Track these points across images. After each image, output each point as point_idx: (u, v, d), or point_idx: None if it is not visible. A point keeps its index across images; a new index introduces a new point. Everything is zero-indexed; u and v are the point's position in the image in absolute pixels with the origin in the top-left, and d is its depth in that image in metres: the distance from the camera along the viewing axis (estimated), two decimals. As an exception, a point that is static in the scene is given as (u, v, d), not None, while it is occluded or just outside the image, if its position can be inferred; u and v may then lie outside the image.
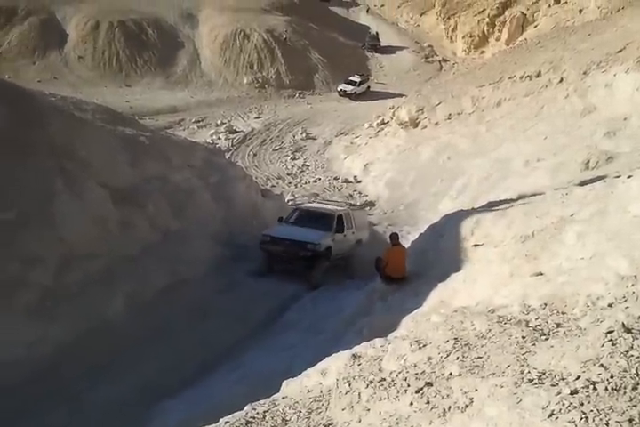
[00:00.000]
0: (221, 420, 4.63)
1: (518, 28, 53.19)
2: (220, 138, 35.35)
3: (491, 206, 12.74)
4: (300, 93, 47.62)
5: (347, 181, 29.52)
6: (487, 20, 56.09)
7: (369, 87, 48.49)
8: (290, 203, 23.67)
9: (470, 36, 57.16)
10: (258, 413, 4.66)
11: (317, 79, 50.15)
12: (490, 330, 4.77)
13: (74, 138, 13.45)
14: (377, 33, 59.34)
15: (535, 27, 51.39)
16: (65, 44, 45.54)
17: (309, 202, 21.29)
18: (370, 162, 30.61)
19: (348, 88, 46.97)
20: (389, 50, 58.03)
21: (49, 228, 11.21)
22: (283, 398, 5.09)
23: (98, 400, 8.83)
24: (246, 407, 4.85)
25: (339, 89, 47.39)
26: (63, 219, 11.51)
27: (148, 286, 11.70)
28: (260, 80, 47.57)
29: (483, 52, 55.17)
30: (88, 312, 10.51)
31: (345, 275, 16.22)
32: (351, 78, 47.72)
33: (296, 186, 28.77)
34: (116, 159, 14.27)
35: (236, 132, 37.00)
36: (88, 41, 45.76)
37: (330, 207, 17.71)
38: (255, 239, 15.85)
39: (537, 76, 26.95)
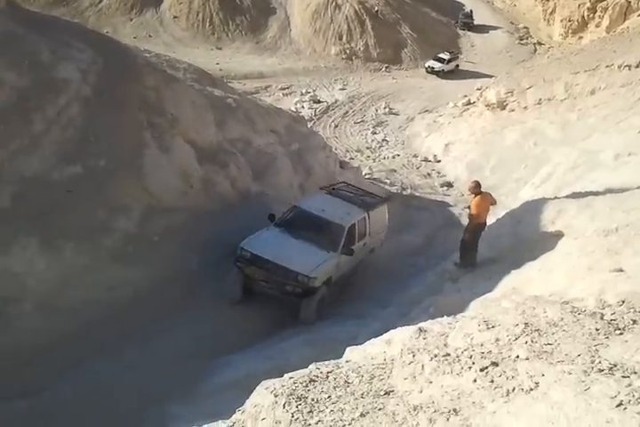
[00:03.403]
0: (286, 375, 4.77)
1: (621, 16, 50.28)
2: (303, 107, 35.44)
3: (575, 197, 12.34)
4: (386, 67, 46.89)
5: (426, 160, 28.99)
6: (588, 4, 53.27)
7: (458, 66, 47.15)
8: (367, 177, 23.55)
9: (569, 21, 54.56)
10: (322, 372, 4.78)
11: (405, 54, 49.21)
12: (562, 319, 4.72)
13: (165, 94, 13.78)
14: (471, 11, 57.37)
15: (639, 15, 48.51)
16: (161, 4, 46.46)
17: (333, 186, 14.64)
18: (451, 142, 29.96)
19: (436, 65, 45.87)
20: (482, 29, 56.16)
21: (136, 179, 11.64)
22: (347, 361, 5.22)
23: (168, 345, 9.28)
24: (310, 366, 4.97)
25: (426, 65, 46.33)
26: (150, 171, 11.90)
27: (223, 243, 12.01)
28: (347, 51, 47.16)
29: (580, 37, 52.60)
30: (166, 262, 10.93)
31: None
32: (440, 55, 46.55)
33: (374, 160, 28.53)
34: (203, 118, 14.57)
35: (319, 102, 37.01)
36: (184, 2, 46.42)
37: (340, 211, 12.62)
38: None
39: (636, 66, 25.48)
